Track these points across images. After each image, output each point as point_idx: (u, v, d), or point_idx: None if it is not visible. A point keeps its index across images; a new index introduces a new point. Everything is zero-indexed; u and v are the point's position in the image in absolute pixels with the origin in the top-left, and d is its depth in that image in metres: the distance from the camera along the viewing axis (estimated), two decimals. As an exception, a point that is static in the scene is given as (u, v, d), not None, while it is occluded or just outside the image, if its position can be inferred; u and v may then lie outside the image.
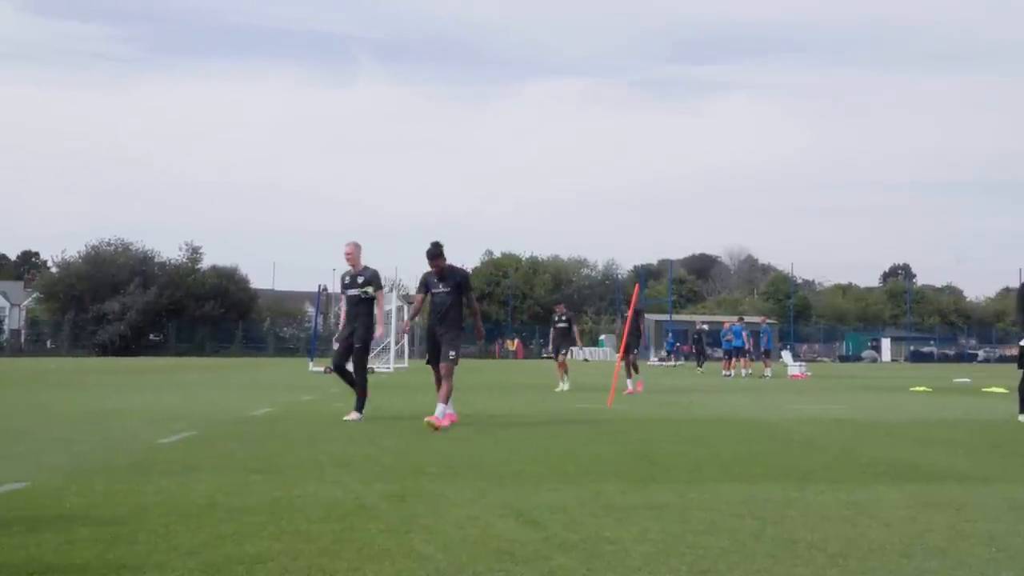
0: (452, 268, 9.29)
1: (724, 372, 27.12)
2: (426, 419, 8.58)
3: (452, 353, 9.05)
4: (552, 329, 17.83)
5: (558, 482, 5.42)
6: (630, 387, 15.70)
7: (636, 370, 16.20)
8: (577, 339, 17.74)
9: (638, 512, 4.50)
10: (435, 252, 9.08)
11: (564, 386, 16.63)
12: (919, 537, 4.02)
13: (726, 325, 28.38)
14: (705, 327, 35.32)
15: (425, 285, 9.32)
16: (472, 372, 28.02)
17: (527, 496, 4.92)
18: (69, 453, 6.74)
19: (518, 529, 4.09)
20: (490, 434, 8.44)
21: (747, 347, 27.08)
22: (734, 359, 27.07)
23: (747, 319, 29.54)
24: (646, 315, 59.72)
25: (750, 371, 26.84)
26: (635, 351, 16.35)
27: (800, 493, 5.12)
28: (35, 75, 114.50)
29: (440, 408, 8.78)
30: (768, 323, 30.56)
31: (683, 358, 47.60)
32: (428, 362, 9.38)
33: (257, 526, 4.08)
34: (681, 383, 21.55)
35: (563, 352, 17.23)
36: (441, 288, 9.17)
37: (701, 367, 32.01)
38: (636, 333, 15.98)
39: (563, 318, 17.43)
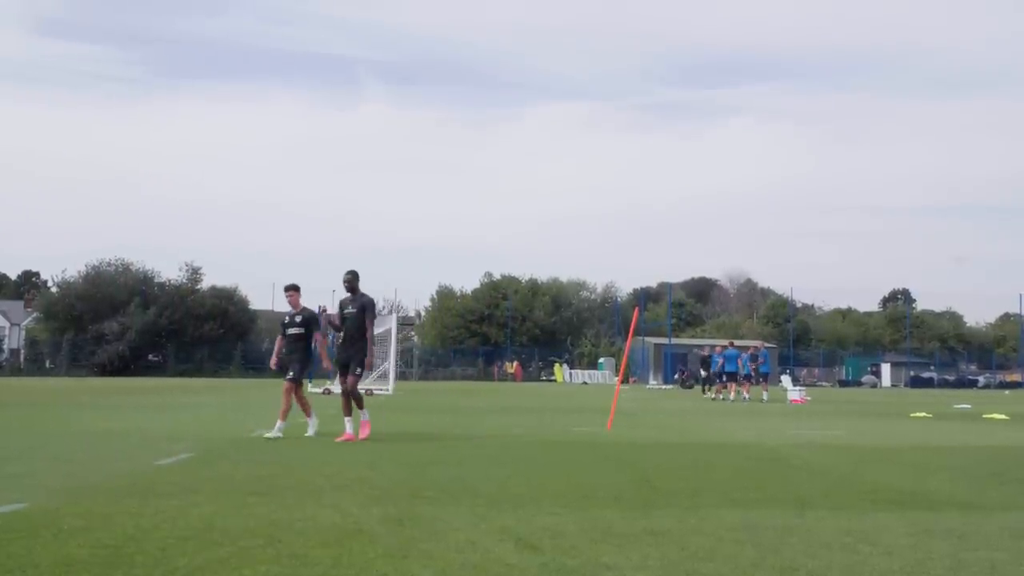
0: None
1: (722, 396, 27.12)
2: None
3: None
4: (280, 337, 11.03)
5: (557, 507, 5.41)
6: (349, 431, 10.03)
7: (360, 402, 10.25)
8: (322, 352, 11.27)
9: (637, 538, 4.49)
10: None
11: (277, 431, 10.20)
12: (920, 565, 4.00)
13: (718, 350, 28.34)
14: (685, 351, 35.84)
15: None
16: (470, 395, 27.95)
17: (526, 521, 4.90)
18: (67, 474, 6.72)
19: (517, 554, 4.07)
20: (489, 457, 8.41)
21: (741, 372, 26.97)
22: (730, 383, 27.03)
23: (737, 344, 29.49)
24: (645, 338, 59.83)
25: (748, 396, 26.80)
26: (359, 371, 10.22)
27: (800, 520, 5.10)
28: (39, 95, 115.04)
29: None
30: (766, 347, 30.61)
31: (695, 382, 47.66)
32: None
33: (255, 549, 4.06)
34: (679, 407, 21.48)
35: (300, 374, 10.64)
36: None
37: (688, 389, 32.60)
38: (358, 344, 10.26)
39: (296, 319, 10.76)
